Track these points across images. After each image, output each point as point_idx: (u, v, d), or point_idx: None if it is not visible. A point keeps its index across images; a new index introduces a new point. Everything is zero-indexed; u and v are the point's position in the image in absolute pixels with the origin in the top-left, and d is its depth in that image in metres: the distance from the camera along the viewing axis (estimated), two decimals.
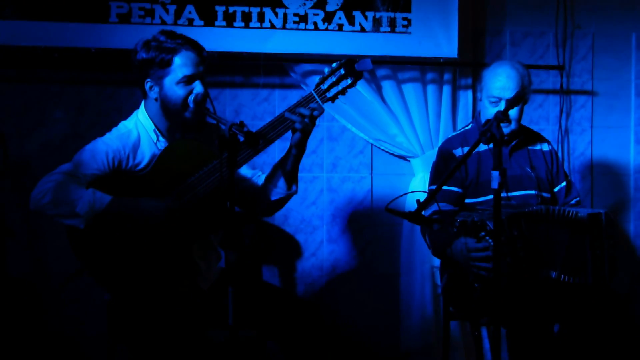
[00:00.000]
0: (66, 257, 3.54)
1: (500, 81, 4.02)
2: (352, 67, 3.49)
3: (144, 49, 3.49)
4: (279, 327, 3.59)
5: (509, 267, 3.64)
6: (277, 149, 4.63)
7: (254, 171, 3.77)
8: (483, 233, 3.68)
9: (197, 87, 3.47)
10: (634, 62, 5.41)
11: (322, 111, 3.48)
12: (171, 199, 3.40)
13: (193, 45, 3.51)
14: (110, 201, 3.33)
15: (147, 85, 3.52)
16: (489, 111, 4.04)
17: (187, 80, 3.46)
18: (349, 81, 3.48)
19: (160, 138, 3.57)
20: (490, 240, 3.64)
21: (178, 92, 3.46)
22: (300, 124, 3.43)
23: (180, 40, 3.49)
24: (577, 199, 4.24)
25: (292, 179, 3.65)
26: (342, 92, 3.50)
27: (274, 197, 3.67)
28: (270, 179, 3.67)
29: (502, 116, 3.33)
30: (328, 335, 3.67)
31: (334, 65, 3.51)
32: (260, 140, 3.29)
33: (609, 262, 3.76)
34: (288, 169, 3.61)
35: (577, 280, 3.72)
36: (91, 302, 4.40)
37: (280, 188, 3.65)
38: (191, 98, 3.44)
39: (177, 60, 3.45)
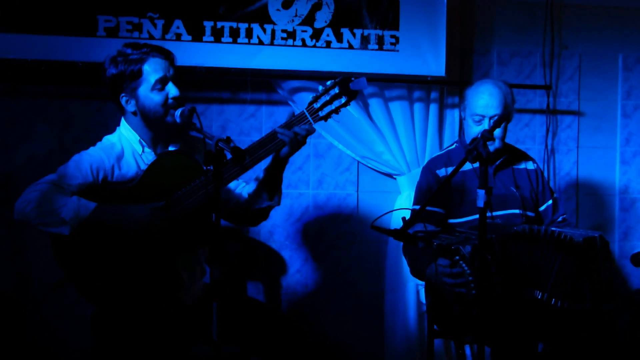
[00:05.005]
0: (50, 271, 3.53)
1: (483, 99, 4.03)
2: (346, 86, 3.44)
3: (112, 65, 3.50)
4: (263, 343, 3.57)
5: (485, 291, 3.62)
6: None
7: (237, 182, 3.76)
8: (457, 257, 3.66)
9: (172, 89, 3.47)
10: (620, 83, 5.43)
11: (313, 131, 3.47)
12: (158, 208, 3.38)
13: (160, 51, 3.51)
14: (95, 207, 3.31)
15: (123, 100, 3.52)
16: (473, 130, 4.05)
17: (161, 86, 3.46)
18: (342, 100, 3.44)
19: (146, 149, 3.57)
20: (464, 265, 3.62)
21: (154, 99, 3.46)
22: (292, 142, 3.43)
23: (146, 49, 3.49)
24: (564, 215, 4.24)
25: (273, 191, 3.66)
26: (336, 111, 3.46)
27: (254, 207, 3.70)
28: (253, 190, 3.68)
29: (489, 135, 3.33)
30: (312, 351, 3.65)
31: (328, 83, 3.47)
32: (246, 155, 3.28)
33: (606, 285, 3.72)
34: (270, 180, 3.62)
35: (573, 306, 3.66)
36: (75, 316, 4.37)
37: (262, 198, 3.66)
38: (177, 113, 3.42)
39: (147, 68, 3.46)
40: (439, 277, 3.73)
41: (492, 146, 4.02)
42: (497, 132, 4.00)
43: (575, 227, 4.86)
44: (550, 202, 4.24)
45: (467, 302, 3.60)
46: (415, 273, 4.08)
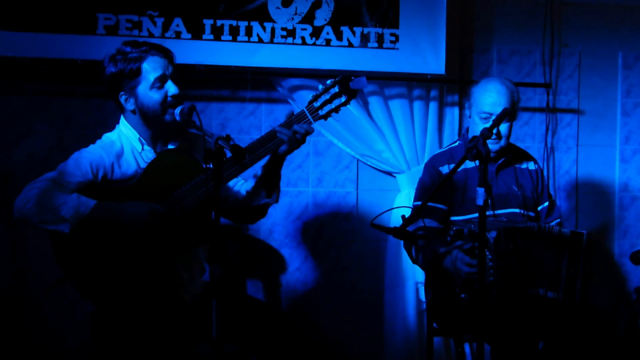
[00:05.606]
0: (49, 270, 3.52)
1: (491, 97, 4.02)
2: (346, 85, 3.44)
3: (112, 63, 3.49)
4: (262, 342, 3.57)
5: (500, 280, 3.63)
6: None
7: (236, 179, 3.76)
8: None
9: (171, 87, 3.47)
10: (620, 82, 5.43)
11: (312, 131, 3.47)
12: (157, 205, 3.38)
13: (159, 49, 3.50)
14: (95, 205, 3.31)
15: (122, 99, 3.51)
16: (479, 127, 4.03)
17: (160, 84, 3.46)
18: (342, 99, 3.44)
19: (146, 147, 3.57)
20: (485, 250, 3.61)
21: (154, 97, 3.46)
22: (290, 141, 3.43)
23: (145, 47, 3.49)
24: (558, 220, 4.23)
25: (271, 188, 3.67)
26: (336, 110, 3.47)
27: (252, 204, 3.71)
28: (252, 187, 3.69)
29: (488, 133, 3.34)
30: (311, 349, 3.65)
31: (328, 82, 3.47)
32: (246, 153, 3.27)
33: (582, 282, 3.74)
34: (268, 177, 3.63)
35: (551, 295, 3.72)
36: (74, 315, 4.37)
37: (260, 196, 3.66)
38: (177, 111, 3.42)
39: (146, 66, 3.45)
40: (456, 263, 3.72)
41: (498, 144, 4.02)
42: (503, 130, 4.01)
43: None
44: (546, 204, 4.24)
45: (480, 290, 3.58)
46: (426, 262, 4.03)
